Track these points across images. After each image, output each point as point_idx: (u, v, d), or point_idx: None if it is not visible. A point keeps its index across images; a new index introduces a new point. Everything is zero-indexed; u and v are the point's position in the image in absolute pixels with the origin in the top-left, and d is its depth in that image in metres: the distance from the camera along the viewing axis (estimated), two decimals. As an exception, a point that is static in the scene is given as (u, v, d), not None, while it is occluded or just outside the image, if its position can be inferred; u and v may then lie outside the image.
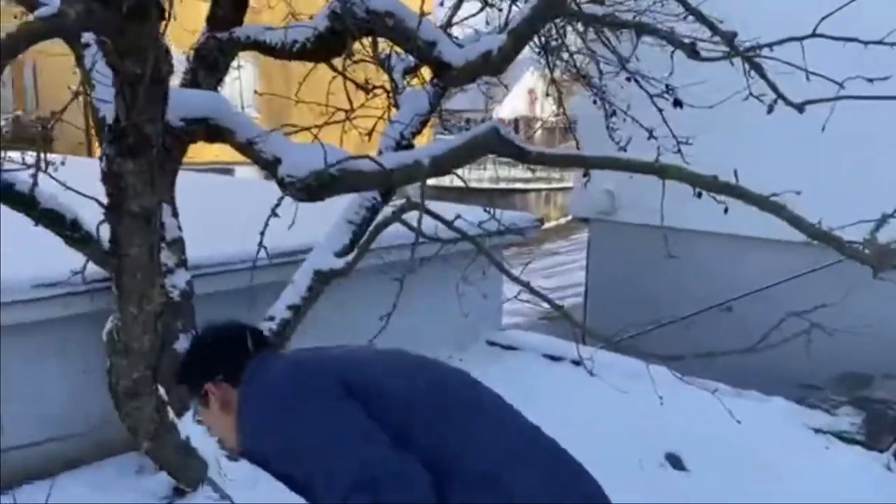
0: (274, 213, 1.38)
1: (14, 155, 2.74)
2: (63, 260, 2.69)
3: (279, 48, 2.75)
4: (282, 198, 1.47)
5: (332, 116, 3.04)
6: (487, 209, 3.04)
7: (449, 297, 4.08)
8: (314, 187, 1.87)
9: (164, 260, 2.99)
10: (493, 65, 2.25)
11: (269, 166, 1.95)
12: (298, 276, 3.55)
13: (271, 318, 3.42)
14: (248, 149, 1.99)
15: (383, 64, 3.73)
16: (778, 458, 3.82)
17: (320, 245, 3.63)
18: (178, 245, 3.23)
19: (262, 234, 1.42)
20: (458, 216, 3.77)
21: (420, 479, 1.33)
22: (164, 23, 1.63)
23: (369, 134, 3.22)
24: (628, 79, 3.53)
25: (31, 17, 1.42)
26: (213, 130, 2.01)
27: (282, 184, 1.84)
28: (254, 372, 1.56)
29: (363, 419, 1.38)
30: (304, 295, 3.50)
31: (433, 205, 4.17)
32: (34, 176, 2.72)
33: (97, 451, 3.39)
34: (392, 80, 3.73)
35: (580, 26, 3.31)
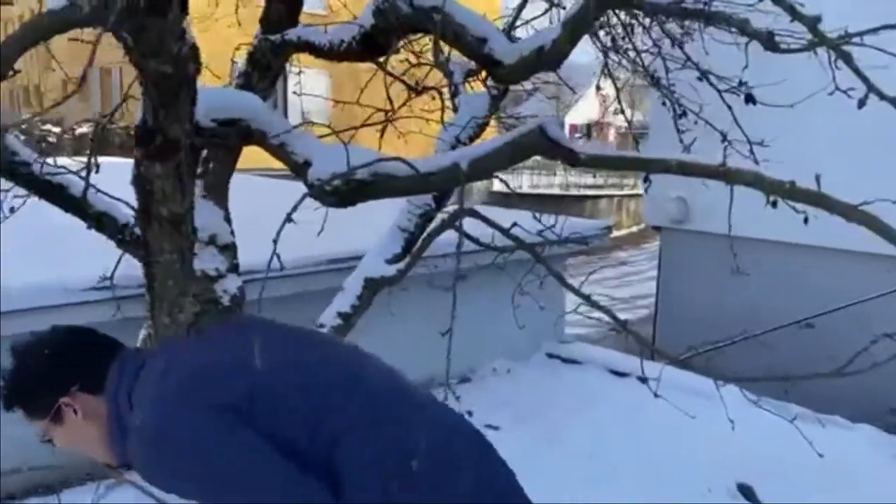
0: (289, 219, 1.27)
1: (66, 161, 2.76)
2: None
3: (327, 49, 2.66)
4: (300, 201, 1.36)
5: (370, 117, 2.93)
6: (536, 215, 2.85)
7: (506, 307, 3.93)
8: (344, 192, 1.76)
9: (215, 265, 2.95)
10: (548, 60, 2.09)
11: (300, 169, 1.86)
12: (349, 283, 3.47)
13: (321, 326, 3.35)
14: (279, 151, 1.90)
15: (443, 66, 3.62)
16: (864, 493, 3.48)
17: (371, 252, 3.54)
18: (230, 250, 3.19)
19: (275, 241, 1.31)
20: (515, 223, 3.62)
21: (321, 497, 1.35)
22: (186, 17, 1.55)
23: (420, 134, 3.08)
24: (699, 78, 3.29)
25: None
26: (245, 132, 1.94)
27: (310, 189, 1.74)
28: (128, 374, 1.46)
29: (259, 446, 1.34)
30: (355, 303, 3.41)
31: (491, 211, 4.04)
32: (86, 179, 2.72)
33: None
34: (451, 82, 3.62)
35: (646, 21, 3.10)
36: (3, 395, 1.48)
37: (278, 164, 2.15)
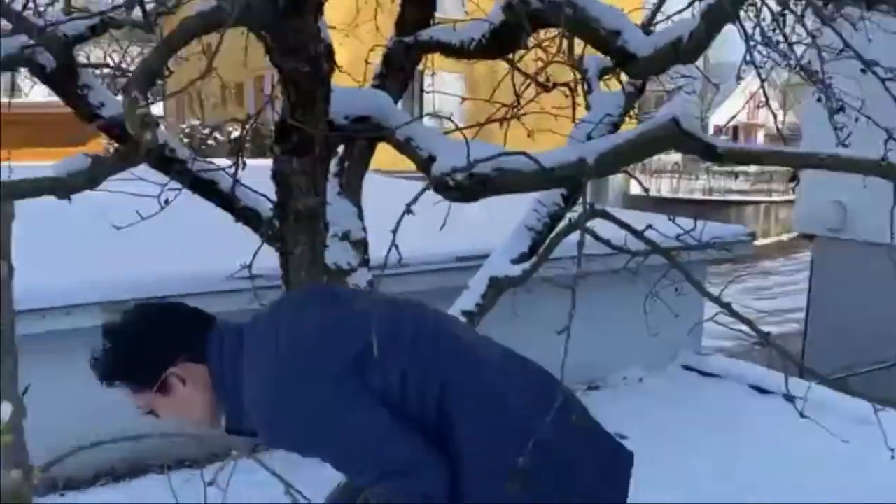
0: (408, 211, 1.27)
1: (219, 161, 2.97)
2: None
3: (458, 47, 2.68)
4: (419, 194, 1.36)
5: (495, 113, 2.91)
6: (671, 218, 2.71)
7: (639, 314, 3.77)
8: (467, 187, 1.75)
9: (347, 259, 3.06)
10: (685, 53, 1.98)
11: (425, 164, 1.87)
12: (474, 282, 3.47)
13: (446, 324, 3.38)
14: (406, 146, 1.93)
15: (577, 64, 3.54)
16: None
17: (497, 251, 3.52)
18: (361, 246, 3.29)
19: (394, 231, 1.32)
20: (650, 226, 3.47)
21: (433, 467, 1.40)
22: (322, 18, 1.61)
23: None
24: (863, 70, 2.99)
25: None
26: (374, 128, 1.99)
27: (435, 184, 1.74)
28: (230, 341, 1.50)
29: (373, 406, 1.39)
30: (479, 301, 3.41)
31: (624, 214, 3.90)
32: (234, 175, 2.91)
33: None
34: (585, 80, 3.54)
35: (799, 8, 2.86)
36: (106, 370, 1.50)
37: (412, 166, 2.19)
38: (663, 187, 20.32)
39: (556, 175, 1.74)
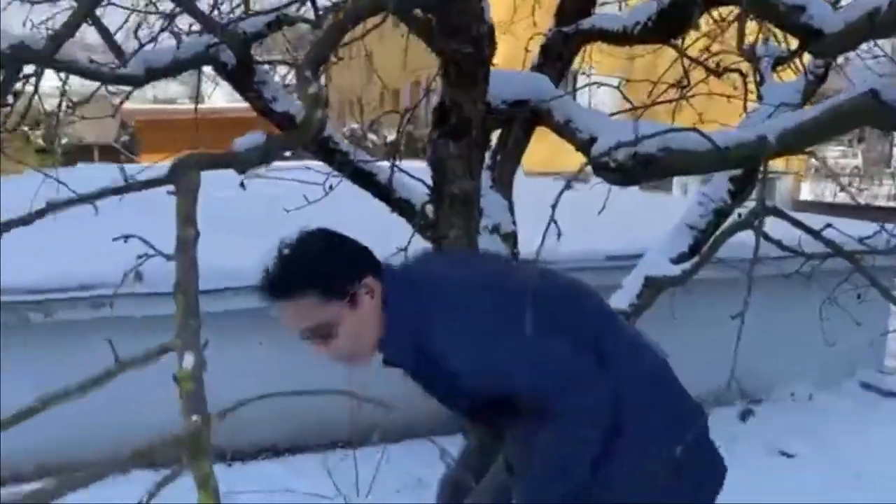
0: (555, 207, 1.22)
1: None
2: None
3: (620, 34, 2.59)
4: (563, 190, 1.30)
5: (661, 95, 2.75)
6: (879, 222, 2.45)
7: (812, 324, 3.44)
8: (630, 167, 1.66)
9: (497, 250, 3.06)
10: (883, 25, 1.76)
11: (585, 146, 1.81)
12: (628, 281, 3.33)
13: (598, 322, 3.27)
14: (564, 129, 1.87)
15: (750, 54, 3.31)
16: None
17: (654, 250, 3.36)
18: (510, 238, 3.28)
19: (553, 221, 1.27)
20: (829, 225, 3.17)
21: (603, 384, 1.44)
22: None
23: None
24: None
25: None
26: (532, 112, 1.95)
27: (595, 166, 1.67)
28: (402, 271, 1.50)
29: (551, 329, 1.41)
30: (634, 301, 3.27)
31: (797, 216, 3.57)
32: (392, 166, 3.00)
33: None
34: (757, 70, 3.30)
35: None
36: (296, 278, 1.42)
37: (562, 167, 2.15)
38: (840, 192, 18.57)
39: (731, 155, 1.61)
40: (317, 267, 1.44)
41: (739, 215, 2.90)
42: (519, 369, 1.42)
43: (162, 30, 3.21)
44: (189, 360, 0.98)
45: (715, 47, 3.55)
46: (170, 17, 3.22)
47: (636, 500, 1.49)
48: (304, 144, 1.61)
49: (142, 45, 2.76)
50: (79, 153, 15.18)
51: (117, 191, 1.29)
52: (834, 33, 1.92)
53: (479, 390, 1.46)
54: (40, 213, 1.07)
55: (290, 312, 1.45)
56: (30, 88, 2.71)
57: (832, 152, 20.17)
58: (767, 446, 3.69)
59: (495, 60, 3.04)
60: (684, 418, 1.53)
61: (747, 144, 1.60)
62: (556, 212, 1.44)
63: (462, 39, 1.63)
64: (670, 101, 2.87)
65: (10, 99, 2.21)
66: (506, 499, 1.61)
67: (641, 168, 1.68)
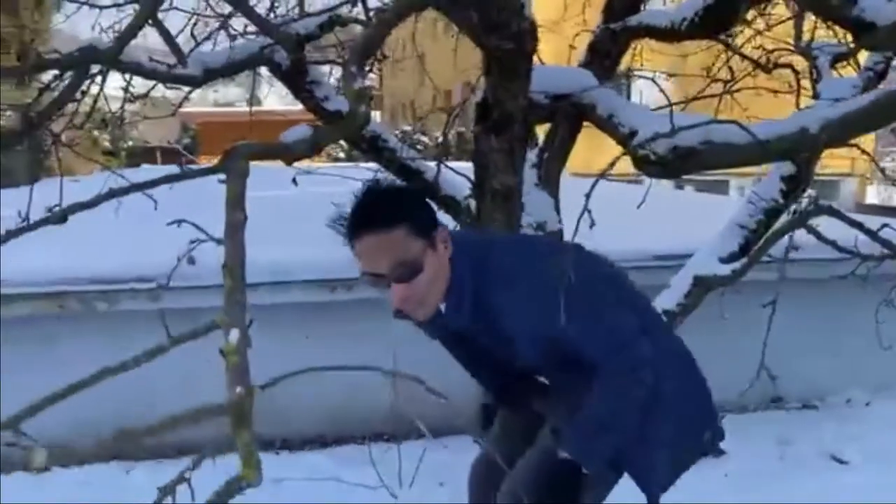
0: (587, 202, 1.23)
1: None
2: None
3: (668, 30, 2.58)
4: (595, 182, 1.32)
5: (704, 89, 2.72)
6: None
7: (868, 328, 3.35)
8: (670, 160, 1.67)
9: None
10: (937, 17, 1.72)
11: (625, 140, 1.82)
12: (676, 281, 3.31)
13: (643, 321, 3.26)
14: (607, 123, 1.88)
15: (806, 51, 3.26)
16: None
17: (704, 250, 3.33)
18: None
19: (587, 210, 1.29)
20: (886, 225, 3.08)
21: (649, 351, 1.56)
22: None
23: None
24: None
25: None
26: (575, 106, 1.96)
27: (635, 159, 1.68)
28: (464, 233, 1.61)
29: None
30: (682, 301, 3.25)
31: (856, 218, 3.47)
32: (437, 165, 3.05)
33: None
34: (814, 67, 3.23)
35: None
36: (389, 210, 1.47)
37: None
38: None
39: (772, 148, 1.60)
40: (409, 202, 1.51)
41: (795, 212, 2.86)
42: (591, 328, 1.51)
43: (217, 29, 3.33)
44: (234, 335, 1.04)
45: (771, 45, 3.50)
46: (225, 18, 3.34)
47: (660, 461, 1.63)
48: (349, 138, 1.67)
49: (197, 44, 2.88)
50: (143, 155, 15.75)
51: (174, 178, 1.37)
52: (887, 26, 1.89)
53: (552, 344, 1.53)
54: (105, 197, 1.15)
55: (377, 245, 1.48)
56: (95, 89, 2.86)
57: (900, 154, 19.35)
58: (821, 452, 3.60)
59: (543, 58, 3.07)
60: (711, 400, 1.66)
61: (788, 137, 1.59)
62: (611, 213, 1.49)
63: (503, 35, 1.67)
64: (713, 96, 2.83)
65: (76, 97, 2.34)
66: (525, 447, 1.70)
67: (681, 161, 1.68)
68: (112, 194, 1.14)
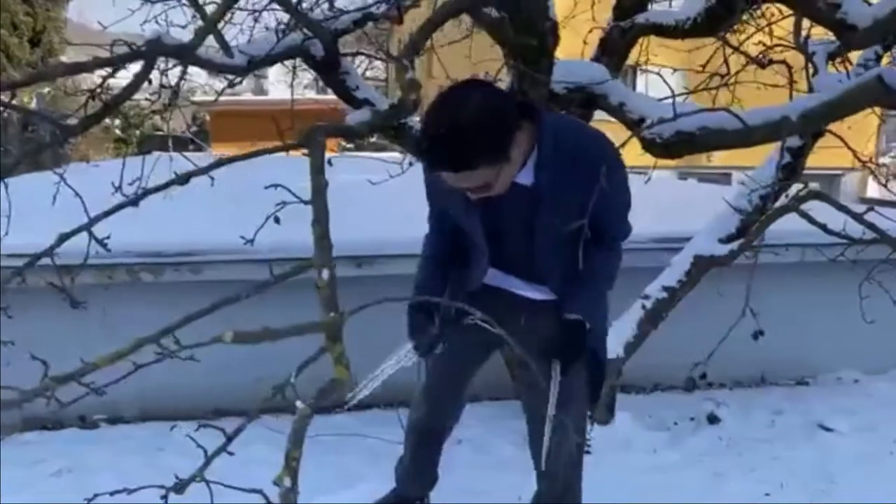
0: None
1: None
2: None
3: (673, 27, 2.83)
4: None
5: (702, 84, 2.98)
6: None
7: (858, 310, 3.56)
8: (672, 143, 1.93)
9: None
10: (908, 21, 1.98)
11: (635, 125, 2.07)
12: (678, 260, 3.57)
13: (646, 297, 3.52)
14: (618, 111, 2.14)
15: (802, 48, 3.50)
16: None
17: (704, 231, 3.59)
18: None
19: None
20: (871, 208, 3.30)
21: None
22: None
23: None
24: None
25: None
26: (590, 97, 2.22)
27: (643, 142, 1.94)
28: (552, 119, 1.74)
29: None
30: (682, 278, 3.51)
31: (852, 208, 3.67)
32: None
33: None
34: (811, 62, 3.48)
35: None
36: (473, 153, 1.55)
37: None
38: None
39: (757, 132, 1.86)
40: (494, 140, 1.57)
41: (785, 202, 3.11)
42: (623, 212, 1.87)
43: (255, 20, 3.60)
44: (325, 273, 1.31)
45: (772, 41, 3.74)
46: (258, 13, 3.62)
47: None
48: (399, 120, 1.92)
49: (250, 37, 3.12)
50: (155, 142, 15.99)
51: (250, 155, 1.64)
52: (865, 28, 2.14)
53: (590, 219, 1.70)
54: (178, 181, 1.42)
55: (458, 178, 1.62)
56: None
57: (902, 149, 19.47)
58: (809, 421, 3.87)
59: (557, 52, 3.33)
60: None
61: (771, 122, 1.85)
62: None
63: (528, 34, 1.92)
64: (711, 89, 3.09)
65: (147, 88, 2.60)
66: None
67: (682, 143, 1.95)
68: (221, 162, 1.41)
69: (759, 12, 3.02)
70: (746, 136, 2.00)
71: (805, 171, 3.52)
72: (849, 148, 2.59)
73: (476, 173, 1.58)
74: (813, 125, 1.99)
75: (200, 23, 2.87)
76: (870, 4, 2.21)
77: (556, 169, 1.68)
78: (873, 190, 18.23)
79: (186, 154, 3.44)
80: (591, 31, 3.34)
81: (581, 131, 1.77)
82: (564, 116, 1.92)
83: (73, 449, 3.38)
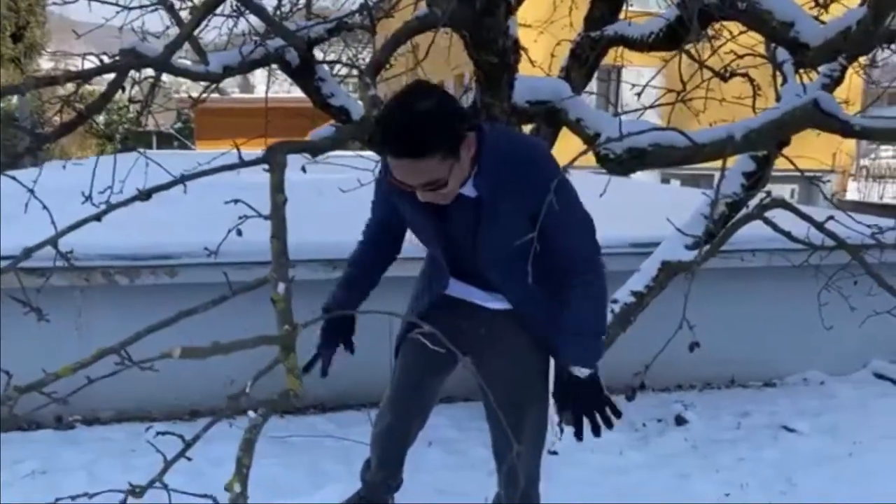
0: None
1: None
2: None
3: (638, 41, 2.91)
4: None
5: (662, 97, 3.07)
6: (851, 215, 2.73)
7: (827, 316, 3.66)
8: (626, 160, 2.00)
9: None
10: (853, 42, 2.06)
11: (591, 141, 2.15)
12: (646, 265, 3.65)
13: (615, 301, 3.60)
14: (576, 126, 2.21)
15: (772, 58, 3.59)
16: None
17: (672, 236, 3.66)
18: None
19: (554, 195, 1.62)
20: (831, 217, 3.40)
21: None
22: (511, 17, 1.95)
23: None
24: None
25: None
26: (551, 112, 2.29)
27: (598, 157, 2.01)
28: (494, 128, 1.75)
29: None
30: (649, 284, 3.59)
31: (818, 212, 3.78)
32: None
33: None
34: (780, 72, 3.57)
35: None
36: (427, 140, 1.55)
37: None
38: (886, 193, 18.33)
39: (705, 150, 1.94)
40: (443, 130, 1.58)
41: (749, 209, 3.19)
42: (582, 226, 1.83)
43: (230, 30, 3.64)
44: (281, 287, 1.38)
45: (743, 51, 3.83)
46: (235, 18, 3.66)
47: None
48: (362, 137, 1.99)
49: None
50: (139, 139, 15.89)
51: (225, 168, 1.70)
52: (816, 47, 2.23)
53: (539, 231, 1.65)
54: (178, 181, 1.48)
55: (410, 168, 1.61)
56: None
57: (886, 153, 19.79)
58: (773, 421, 3.97)
59: (534, 56, 3.38)
60: None
61: (717, 141, 1.93)
62: (593, 203, 1.81)
63: (490, 51, 1.98)
64: (669, 104, 3.18)
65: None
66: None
67: (636, 160, 2.02)
68: (183, 178, 1.46)
69: (719, 26, 3.10)
70: (694, 154, 2.08)
71: (787, 174, 3.60)
72: (794, 166, 2.67)
73: (430, 164, 1.59)
74: (755, 145, 2.07)
75: (177, 29, 2.93)
76: (823, 24, 2.30)
77: (494, 180, 1.69)
78: (853, 193, 18.54)
79: (166, 151, 3.48)
80: (559, 44, 3.42)
81: (518, 142, 1.80)
82: (503, 128, 1.87)
83: (47, 450, 3.42)
